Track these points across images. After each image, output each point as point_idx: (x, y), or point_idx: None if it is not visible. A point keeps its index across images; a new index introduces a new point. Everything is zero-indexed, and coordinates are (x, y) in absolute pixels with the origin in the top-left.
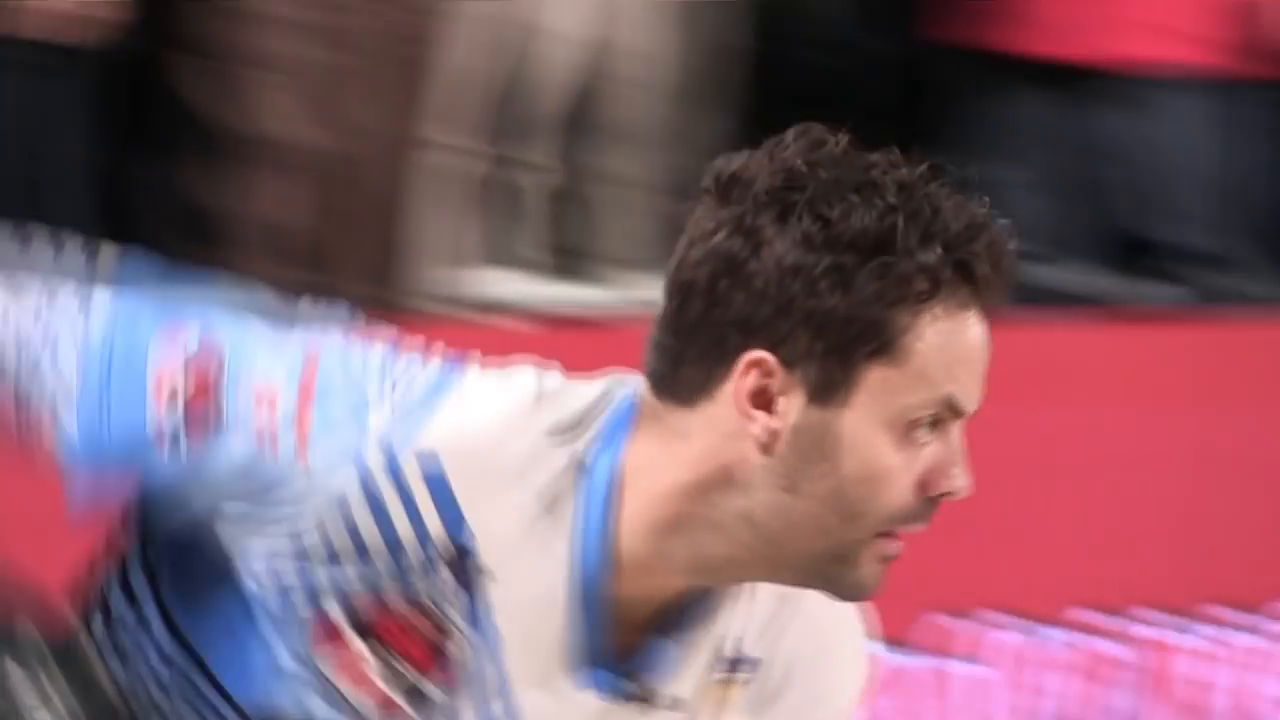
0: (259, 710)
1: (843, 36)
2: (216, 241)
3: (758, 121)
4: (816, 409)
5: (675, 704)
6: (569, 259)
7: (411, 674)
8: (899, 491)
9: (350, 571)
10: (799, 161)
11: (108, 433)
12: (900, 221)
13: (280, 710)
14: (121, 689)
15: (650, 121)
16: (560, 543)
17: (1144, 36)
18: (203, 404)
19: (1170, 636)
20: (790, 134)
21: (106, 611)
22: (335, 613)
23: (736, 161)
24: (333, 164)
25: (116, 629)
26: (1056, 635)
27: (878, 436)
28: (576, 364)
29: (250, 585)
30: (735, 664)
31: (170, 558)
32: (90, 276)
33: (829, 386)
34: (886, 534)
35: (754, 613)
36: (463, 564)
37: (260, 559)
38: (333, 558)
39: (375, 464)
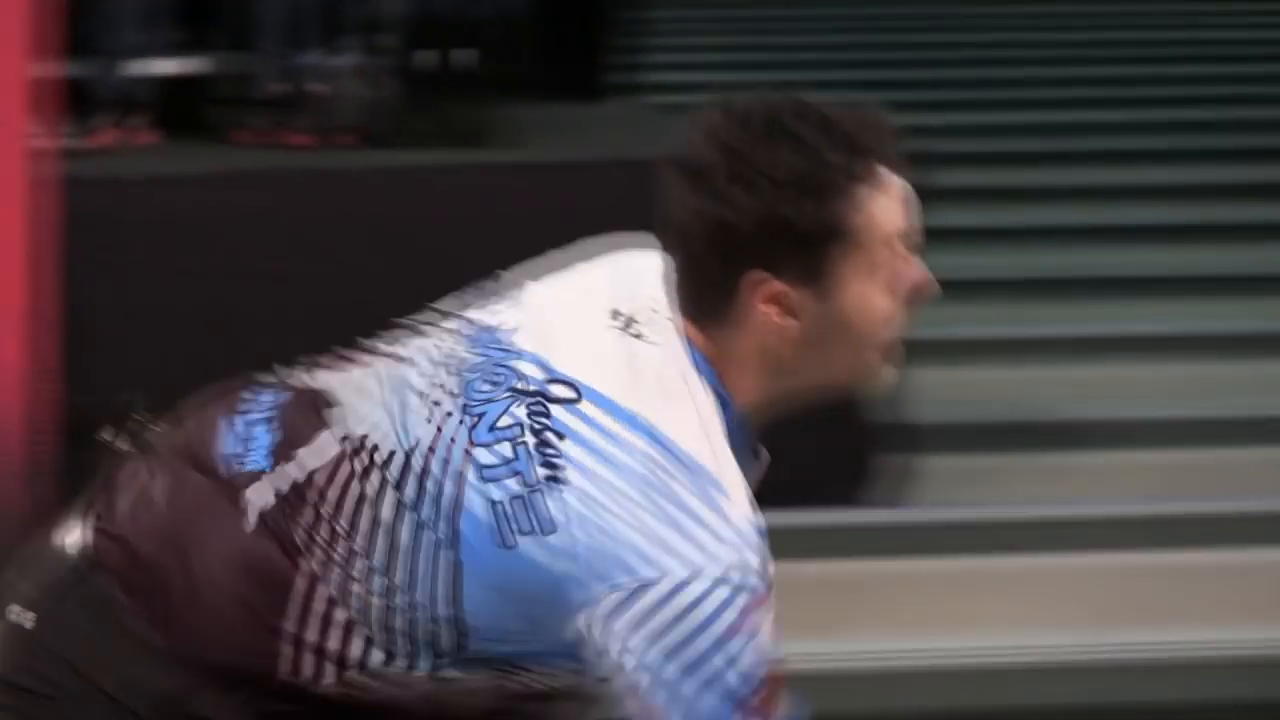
0: None
1: None
2: None
3: None
4: (817, 298)
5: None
6: None
7: None
8: (891, 320)
9: None
10: (731, 138)
11: None
12: (813, 149)
13: None
14: None
15: None
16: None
17: None
18: None
19: None
20: (712, 111)
21: None
22: None
23: (689, 151)
24: None
25: None
26: None
27: (866, 292)
28: None
29: None
30: None
31: None
32: None
33: (819, 279)
34: (889, 344)
35: None
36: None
37: None
38: None
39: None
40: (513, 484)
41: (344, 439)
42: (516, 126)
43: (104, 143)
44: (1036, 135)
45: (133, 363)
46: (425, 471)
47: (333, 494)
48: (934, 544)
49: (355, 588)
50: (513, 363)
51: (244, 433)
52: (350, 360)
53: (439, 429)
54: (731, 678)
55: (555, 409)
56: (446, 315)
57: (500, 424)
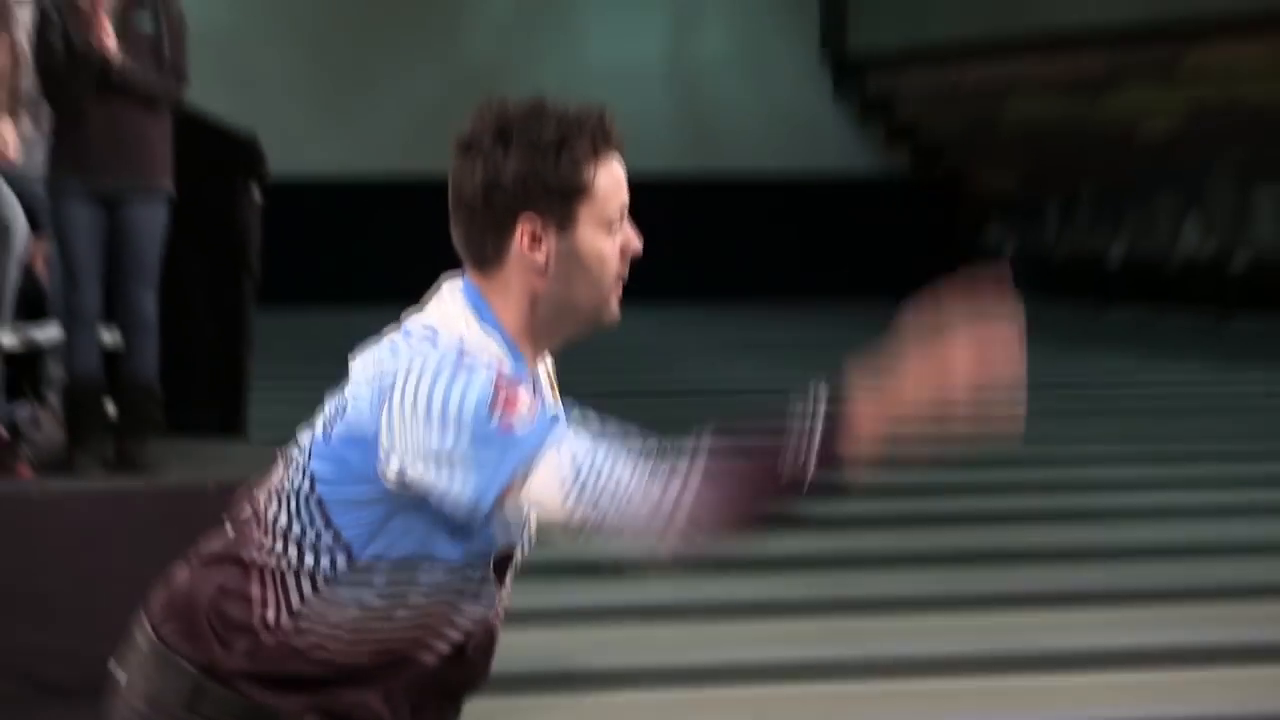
0: None
1: None
2: None
3: None
4: (563, 237)
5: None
6: None
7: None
8: (614, 261)
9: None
10: (500, 117)
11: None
12: (568, 125)
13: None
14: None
15: None
16: (497, 347)
17: None
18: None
19: None
20: (483, 106)
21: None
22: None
23: (467, 131)
24: None
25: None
26: None
27: (598, 236)
28: None
29: None
30: (550, 376)
31: None
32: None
33: (565, 222)
34: (616, 286)
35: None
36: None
37: None
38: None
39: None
40: (330, 409)
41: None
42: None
43: None
44: None
45: None
46: (294, 459)
47: (260, 496)
48: None
49: (269, 542)
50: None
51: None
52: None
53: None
54: (467, 396)
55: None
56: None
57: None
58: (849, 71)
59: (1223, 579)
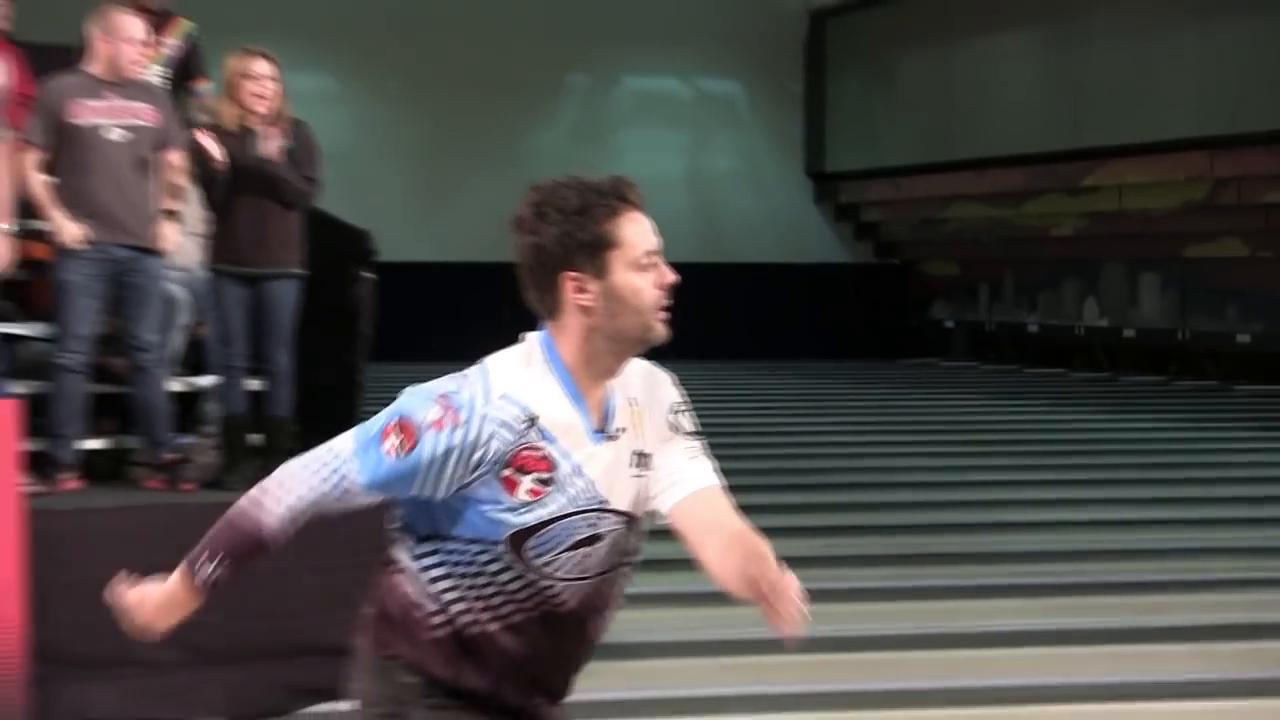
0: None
1: None
2: None
3: None
4: (601, 282)
5: (619, 431)
6: None
7: (544, 476)
8: (651, 292)
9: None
10: (533, 196)
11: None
12: (588, 193)
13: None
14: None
15: None
16: (554, 386)
17: None
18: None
19: None
20: (533, 191)
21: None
22: (507, 470)
23: (516, 212)
24: None
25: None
26: None
27: (631, 276)
28: None
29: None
30: (633, 402)
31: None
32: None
33: (600, 270)
34: (657, 311)
35: (626, 382)
36: (534, 422)
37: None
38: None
39: (497, 411)
40: None
41: None
42: None
43: (67, 488)
44: None
45: None
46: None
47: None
48: None
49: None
50: None
51: None
52: None
53: None
54: (406, 404)
55: None
56: None
57: None
58: (826, 185)
59: (1100, 576)
